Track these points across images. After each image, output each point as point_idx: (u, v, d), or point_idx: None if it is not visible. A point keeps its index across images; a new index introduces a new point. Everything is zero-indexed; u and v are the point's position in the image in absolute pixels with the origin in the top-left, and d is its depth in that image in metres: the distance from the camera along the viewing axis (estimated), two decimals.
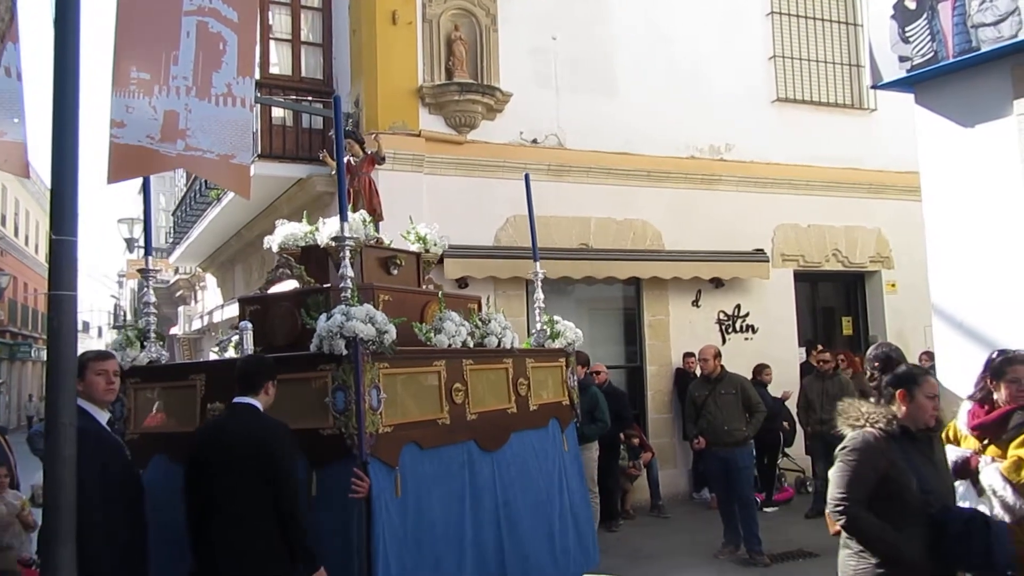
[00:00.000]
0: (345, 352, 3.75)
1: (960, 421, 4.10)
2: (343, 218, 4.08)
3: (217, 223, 12.35)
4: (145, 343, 4.62)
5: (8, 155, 3.53)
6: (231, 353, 4.63)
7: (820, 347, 9.63)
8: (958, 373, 4.67)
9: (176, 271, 20.50)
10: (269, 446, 3.50)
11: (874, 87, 5.38)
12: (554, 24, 9.68)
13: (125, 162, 3.87)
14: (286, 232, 5.24)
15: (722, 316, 10.34)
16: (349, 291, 3.93)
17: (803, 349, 10.71)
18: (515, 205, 8.84)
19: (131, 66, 3.82)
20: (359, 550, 3.61)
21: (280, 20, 9.73)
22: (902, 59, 4.95)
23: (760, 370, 9.38)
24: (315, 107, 9.21)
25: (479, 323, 4.87)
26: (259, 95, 7.75)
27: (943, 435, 4.20)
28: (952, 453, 3.99)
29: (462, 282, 8.80)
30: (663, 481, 9.39)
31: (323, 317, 3.85)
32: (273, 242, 5.25)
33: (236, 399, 3.71)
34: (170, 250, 17.36)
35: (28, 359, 31.07)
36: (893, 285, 11.29)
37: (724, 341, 10.08)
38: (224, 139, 4.15)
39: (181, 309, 21.65)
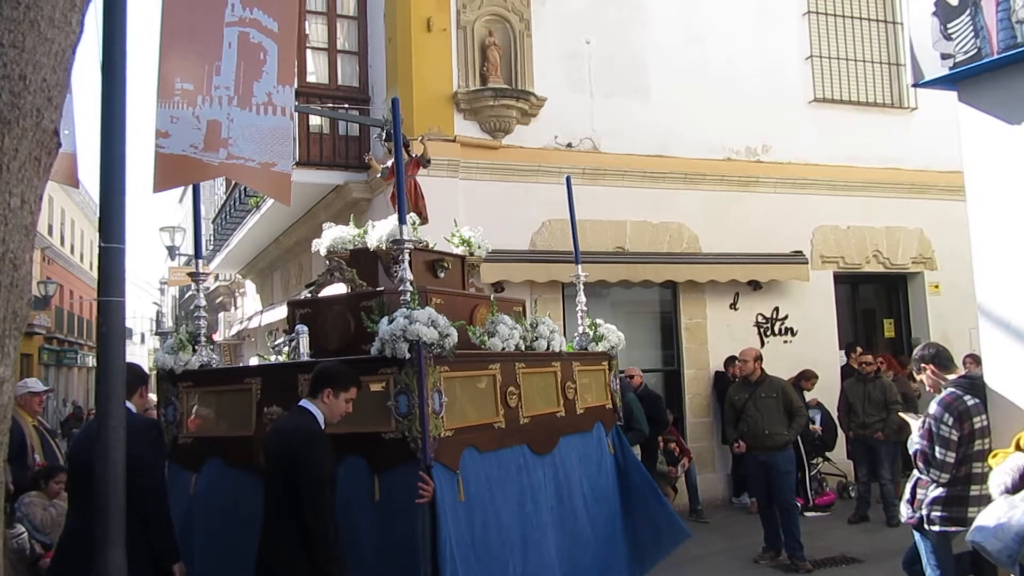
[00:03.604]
0: (408, 356, 3.70)
1: None
2: (401, 220, 4.01)
3: (256, 230, 12.54)
4: (196, 347, 4.64)
5: (58, 166, 3.63)
6: (283, 357, 4.65)
7: (860, 349, 9.48)
8: (1006, 377, 4.56)
9: (216, 278, 20.79)
10: (293, 450, 3.47)
11: (915, 85, 5.27)
12: (587, 28, 9.67)
13: (170, 171, 3.96)
14: (335, 235, 5.19)
15: (760, 319, 10.23)
16: (409, 294, 3.88)
17: (843, 352, 10.55)
18: (550, 209, 8.85)
19: (175, 77, 3.91)
20: (424, 554, 3.56)
21: (316, 29, 9.86)
22: (944, 56, 4.86)
23: (809, 376, 9.30)
24: (352, 114, 9.31)
25: (528, 326, 4.83)
26: (297, 104, 7.85)
27: (1014, 443, 4.09)
28: (1017, 460, 3.89)
29: (498, 286, 8.81)
30: (702, 486, 9.30)
31: (384, 320, 3.81)
32: (321, 246, 5.22)
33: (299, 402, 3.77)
34: (210, 257, 17.59)
35: (74, 365, 31.77)
36: (936, 287, 11.07)
37: (763, 344, 9.96)
38: (265, 147, 4.22)
39: (221, 315, 21.97)
